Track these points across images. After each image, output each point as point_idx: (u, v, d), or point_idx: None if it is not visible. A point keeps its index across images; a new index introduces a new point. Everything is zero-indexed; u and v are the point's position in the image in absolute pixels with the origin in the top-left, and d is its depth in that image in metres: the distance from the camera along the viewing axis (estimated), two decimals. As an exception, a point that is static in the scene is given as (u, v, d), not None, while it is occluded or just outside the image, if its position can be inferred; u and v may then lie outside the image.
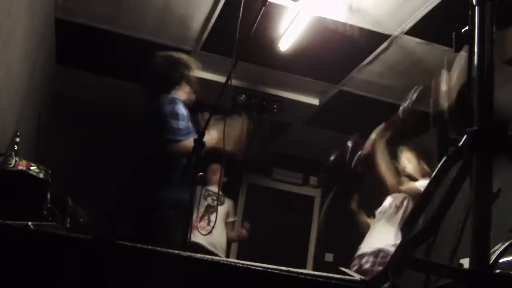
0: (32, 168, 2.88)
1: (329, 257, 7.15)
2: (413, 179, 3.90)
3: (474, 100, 1.22)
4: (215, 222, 4.26)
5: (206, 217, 4.87)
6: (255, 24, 2.65)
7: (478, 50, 1.24)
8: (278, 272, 1.70)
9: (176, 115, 3.17)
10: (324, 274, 1.80)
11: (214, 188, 5.08)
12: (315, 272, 1.79)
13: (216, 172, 4.96)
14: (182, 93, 3.40)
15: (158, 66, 3.43)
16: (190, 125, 3.22)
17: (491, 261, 1.47)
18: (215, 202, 4.91)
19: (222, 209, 5.03)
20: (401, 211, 3.92)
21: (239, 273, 1.70)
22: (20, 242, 1.63)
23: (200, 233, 3.72)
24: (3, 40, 2.86)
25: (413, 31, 4.21)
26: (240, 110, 5.47)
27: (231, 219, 5.34)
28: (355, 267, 3.77)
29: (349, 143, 3.93)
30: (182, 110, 3.24)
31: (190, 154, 2.78)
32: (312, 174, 7.41)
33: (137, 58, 5.27)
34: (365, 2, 3.96)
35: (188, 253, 1.83)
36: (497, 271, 1.46)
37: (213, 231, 3.83)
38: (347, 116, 5.90)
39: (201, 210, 4.85)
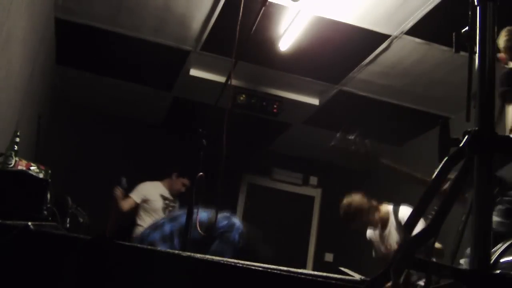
0: (32, 168, 2.88)
1: (329, 257, 7.15)
2: None
3: (475, 100, 1.22)
4: None
5: None
6: (255, 24, 2.65)
7: (479, 50, 1.24)
8: (278, 272, 1.70)
9: None
10: (324, 274, 1.80)
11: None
12: (315, 272, 1.79)
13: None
14: None
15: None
16: None
17: (492, 261, 1.47)
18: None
19: None
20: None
21: (239, 273, 1.70)
22: (20, 242, 1.62)
23: (200, 232, 3.73)
24: (3, 40, 2.85)
25: (413, 31, 4.21)
26: (240, 110, 5.49)
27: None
28: None
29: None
30: None
31: None
32: (312, 174, 7.42)
33: (137, 58, 5.29)
34: (365, 2, 3.96)
35: (188, 253, 1.83)
36: (498, 271, 1.46)
37: None
38: (347, 116, 5.89)
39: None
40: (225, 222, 3.48)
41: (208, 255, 3.27)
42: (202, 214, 3.35)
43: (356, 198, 3.96)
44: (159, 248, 3.28)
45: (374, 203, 3.98)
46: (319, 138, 6.64)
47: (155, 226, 3.55)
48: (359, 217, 3.93)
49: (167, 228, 3.48)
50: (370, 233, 4.11)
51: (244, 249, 3.55)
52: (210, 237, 3.34)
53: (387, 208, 3.99)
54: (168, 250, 1.77)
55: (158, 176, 5.51)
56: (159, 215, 5.12)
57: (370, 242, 4.13)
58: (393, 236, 3.92)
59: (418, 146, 6.03)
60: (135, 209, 5.33)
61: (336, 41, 4.49)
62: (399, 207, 3.94)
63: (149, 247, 1.78)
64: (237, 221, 3.58)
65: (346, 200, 3.98)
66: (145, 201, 5.33)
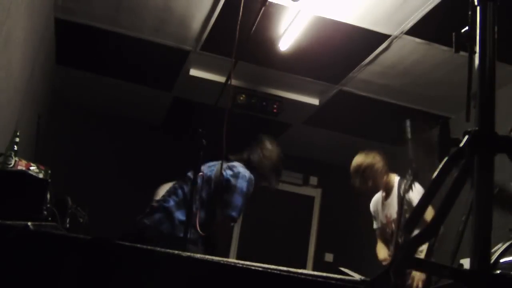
0: (31, 168, 2.87)
1: (329, 257, 7.15)
2: None
3: (475, 100, 1.22)
4: None
5: None
6: (255, 24, 2.65)
7: (479, 50, 1.24)
8: (278, 272, 1.70)
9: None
10: (324, 274, 1.80)
11: None
12: (315, 272, 1.79)
13: None
14: None
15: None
16: None
17: (492, 261, 1.47)
18: None
19: None
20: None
21: (239, 273, 1.70)
22: (20, 242, 1.62)
23: (200, 232, 3.71)
24: (3, 40, 2.85)
25: (413, 31, 4.21)
26: (240, 110, 5.49)
27: None
28: None
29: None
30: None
31: None
32: (312, 174, 7.41)
33: (137, 58, 5.29)
34: (365, 2, 3.96)
35: (188, 253, 1.83)
36: (498, 271, 1.46)
37: None
38: (347, 116, 5.89)
39: None
40: (229, 172, 3.41)
41: (222, 207, 3.21)
42: (207, 171, 3.36)
43: (371, 154, 3.99)
44: (176, 214, 3.24)
45: (386, 166, 4.00)
46: (319, 138, 6.65)
47: (169, 194, 3.44)
48: (369, 174, 3.93)
49: (180, 192, 3.39)
50: (373, 202, 4.16)
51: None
52: (220, 190, 3.28)
53: (395, 177, 4.02)
54: (168, 250, 1.77)
55: (159, 175, 5.51)
56: None
57: (373, 213, 4.18)
58: (394, 206, 3.95)
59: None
60: None
61: (336, 41, 4.49)
62: (404, 180, 3.99)
63: (149, 247, 1.77)
64: (242, 169, 3.48)
65: (360, 155, 4.01)
66: None
